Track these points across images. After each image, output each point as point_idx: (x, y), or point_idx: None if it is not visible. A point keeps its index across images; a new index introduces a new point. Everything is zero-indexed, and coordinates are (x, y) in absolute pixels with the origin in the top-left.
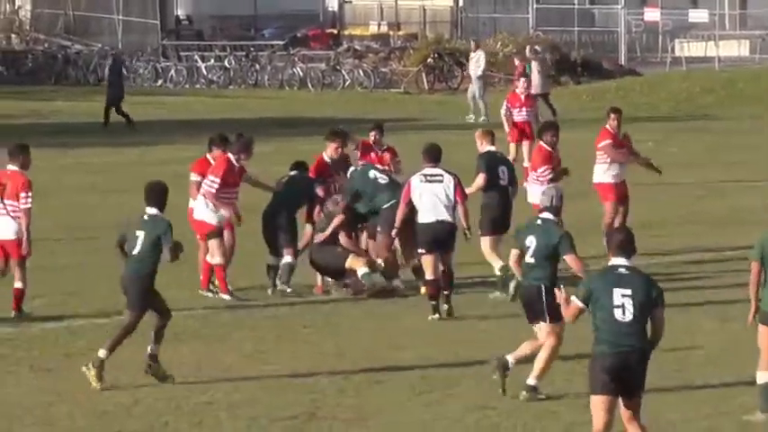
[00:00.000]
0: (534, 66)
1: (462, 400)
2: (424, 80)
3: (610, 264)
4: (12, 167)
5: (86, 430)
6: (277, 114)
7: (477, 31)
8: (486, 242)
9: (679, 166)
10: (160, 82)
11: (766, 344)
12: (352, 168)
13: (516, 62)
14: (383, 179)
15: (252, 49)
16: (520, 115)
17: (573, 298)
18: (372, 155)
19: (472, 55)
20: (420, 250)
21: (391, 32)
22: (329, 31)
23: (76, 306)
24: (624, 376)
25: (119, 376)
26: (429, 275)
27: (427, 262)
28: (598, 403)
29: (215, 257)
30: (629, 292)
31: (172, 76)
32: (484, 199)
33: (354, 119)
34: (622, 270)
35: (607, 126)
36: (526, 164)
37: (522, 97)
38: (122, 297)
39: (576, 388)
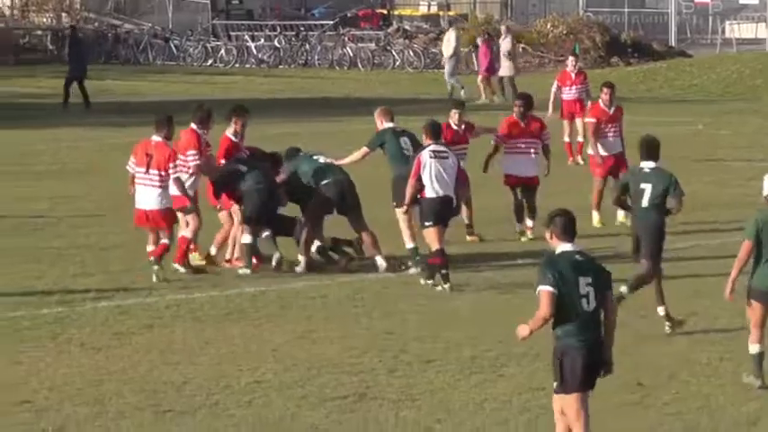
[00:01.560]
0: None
1: (512, 381)
2: (474, 60)
3: (561, 250)
4: (157, 139)
5: (136, 409)
6: (327, 94)
7: (526, 12)
8: (403, 216)
9: (728, 148)
10: (210, 61)
11: (756, 318)
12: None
13: (479, 42)
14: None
15: (302, 28)
16: (570, 93)
17: (541, 287)
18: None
19: (446, 35)
20: (427, 222)
21: (441, 12)
22: (379, 11)
23: (127, 285)
24: (594, 368)
25: (169, 356)
26: (436, 246)
27: (434, 234)
28: (575, 402)
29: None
30: (590, 279)
31: (222, 55)
32: (394, 172)
33: (404, 99)
34: (578, 257)
35: (599, 101)
36: (580, 138)
37: (573, 75)
38: (174, 276)
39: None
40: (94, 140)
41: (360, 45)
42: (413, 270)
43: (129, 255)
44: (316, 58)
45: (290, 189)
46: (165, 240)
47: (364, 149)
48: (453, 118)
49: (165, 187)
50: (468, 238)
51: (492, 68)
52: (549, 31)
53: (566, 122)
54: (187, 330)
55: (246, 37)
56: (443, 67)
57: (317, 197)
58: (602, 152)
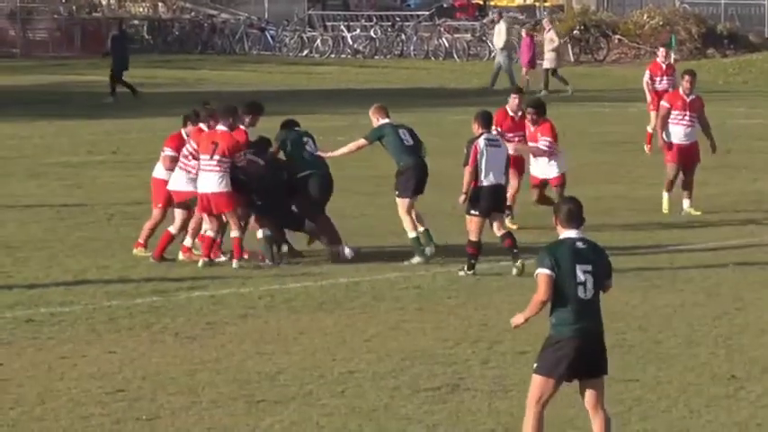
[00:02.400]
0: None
1: None
2: (570, 52)
3: (563, 236)
4: (221, 128)
5: (229, 398)
6: (422, 85)
7: (623, 3)
8: (403, 205)
9: None
10: (306, 52)
11: None
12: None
13: (523, 34)
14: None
15: (398, 19)
16: (661, 84)
17: (539, 270)
18: (509, 122)
19: (496, 27)
20: (474, 211)
21: (537, 3)
22: (475, 1)
23: (221, 275)
24: (585, 358)
25: (262, 346)
26: (475, 237)
27: (477, 224)
28: (542, 383)
29: (174, 226)
30: (589, 267)
31: (317, 45)
32: (399, 164)
33: (499, 90)
34: (579, 244)
35: (679, 88)
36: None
37: (663, 66)
38: (271, 268)
39: (719, 363)
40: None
41: (455, 36)
42: (416, 260)
43: (225, 246)
44: (411, 48)
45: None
46: (235, 234)
47: (362, 141)
48: (512, 104)
49: (226, 172)
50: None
51: (533, 62)
52: (645, 22)
53: (653, 114)
54: (281, 320)
55: (342, 27)
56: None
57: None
58: (674, 139)
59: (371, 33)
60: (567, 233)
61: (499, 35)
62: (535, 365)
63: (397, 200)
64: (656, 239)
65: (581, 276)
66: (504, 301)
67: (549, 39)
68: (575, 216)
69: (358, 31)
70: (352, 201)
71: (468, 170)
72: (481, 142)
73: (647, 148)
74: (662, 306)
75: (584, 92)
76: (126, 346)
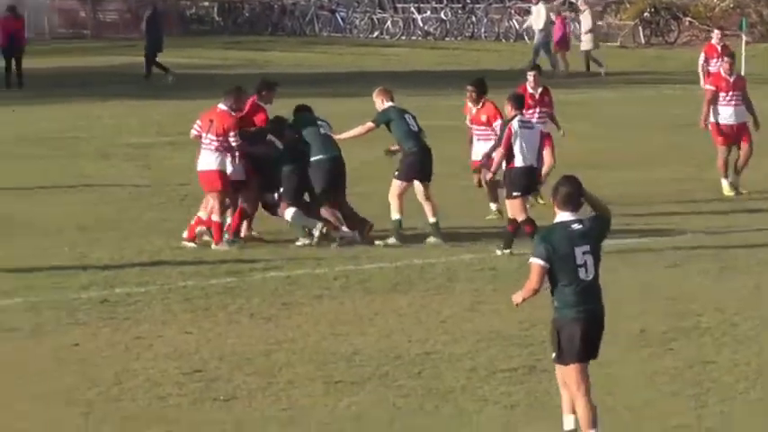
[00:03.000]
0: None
1: (681, 354)
2: (641, 34)
3: (559, 220)
4: (222, 107)
5: (306, 379)
6: (493, 67)
7: None
8: (397, 187)
9: None
10: (376, 33)
11: None
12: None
13: (553, 17)
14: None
15: (468, 0)
16: (715, 66)
17: (532, 259)
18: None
19: (533, 8)
20: (515, 192)
21: None
22: None
23: (296, 256)
24: (593, 338)
25: (338, 327)
26: (523, 216)
27: (520, 204)
28: (573, 372)
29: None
30: (587, 248)
31: (388, 27)
32: (405, 148)
33: (570, 72)
34: (575, 226)
35: (720, 70)
36: None
37: (719, 48)
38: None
39: None
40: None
41: (526, 17)
42: (392, 240)
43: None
44: (482, 30)
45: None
46: (214, 217)
47: (369, 124)
48: (530, 81)
49: (219, 151)
50: (540, 201)
51: (565, 43)
52: (715, 4)
53: None
54: (356, 301)
55: (413, 9)
56: (611, 42)
57: (310, 172)
58: (723, 121)
59: (442, 15)
60: (562, 215)
61: (538, 17)
62: (553, 355)
63: (394, 181)
64: (729, 221)
65: (580, 258)
66: None
67: (585, 20)
68: (572, 198)
69: (428, 12)
70: (433, 182)
71: (500, 152)
72: (515, 124)
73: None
74: (738, 288)
75: (654, 74)
76: (202, 326)
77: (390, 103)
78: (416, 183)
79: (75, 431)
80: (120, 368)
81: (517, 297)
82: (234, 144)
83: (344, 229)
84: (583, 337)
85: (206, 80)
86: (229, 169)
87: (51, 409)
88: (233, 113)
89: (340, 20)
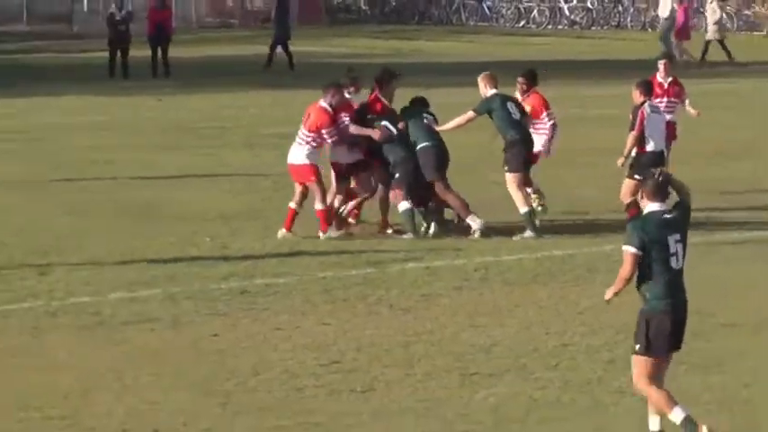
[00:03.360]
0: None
1: None
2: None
3: (650, 210)
4: (321, 104)
5: (443, 371)
6: (639, 57)
7: None
8: (513, 179)
9: None
10: (522, 23)
11: None
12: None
13: (675, 5)
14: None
15: None
16: None
17: (626, 247)
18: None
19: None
20: (638, 176)
21: None
22: None
23: (435, 246)
24: (679, 330)
25: (477, 318)
26: (629, 198)
27: (636, 187)
28: (646, 363)
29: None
30: (678, 236)
31: (534, 16)
32: (507, 137)
33: (717, 62)
34: (666, 216)
35: None
36: None
37: None
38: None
39: None
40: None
41: None
42: (528, 234)
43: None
44: (628, 19)
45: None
46: (318, 206)
47: (470, 114)
48: (660, 70)
49: (309, 145)
50: None
51: (685, 33)
52: None
53: None
54: (495, 292)
55: None
56: (758, 31)
57: (415, 159)
58: None
59: (588, 4)
60: (652, 206)
61: (664, 5)
62: (637, 347)
63: (507, 175)
64: None
65: (673, 247)
66: (713, 275)
67: (712, 10)
68: (660, 189)
69: (575, 1)
70: (574, 173)
71: (633, 135)
72: (647, 108)
73: None
74: None
75: None
76: (340, 317)
77: (494, 90)
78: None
79: (212, 421)
80: (258, 359)
81: (609, 293)
82: (330, 141)
83: (471, 217)
84: (673, 329)
85: (352, 70)
86: (315, 157)
87: (189, 400)
88: (330, 110)
89: (486, 9)
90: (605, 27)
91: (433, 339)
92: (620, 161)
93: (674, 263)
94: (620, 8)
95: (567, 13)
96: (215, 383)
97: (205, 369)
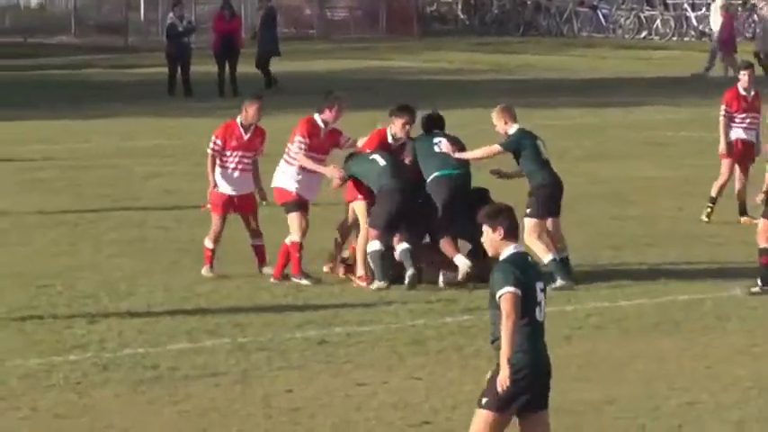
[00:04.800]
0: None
1: None
2: None
3: (516, 251)
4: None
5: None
6: None
7: None
8: (533, 227)
9: None
10: (644, 33)
11: None
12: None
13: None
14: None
15: None
16: None
17: (508, 289)
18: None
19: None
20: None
21: None
22: None
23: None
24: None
25: (589, 372)
26: (765, 243)
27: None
28: (493, 420)
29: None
30: (542, 285)
31: (657, 26)
32: (533, 181)
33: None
34: (530, 259)
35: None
36: None
37: None
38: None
39: None
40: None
41: None
42: (559, 282)
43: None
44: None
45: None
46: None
47: (497, 147)
48: (742, 81)
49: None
50: (741, 219)
51: (731, 44)
52: None
53: None
54: (611, 343)
55: (686, 5)
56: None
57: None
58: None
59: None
60: (514, 246)
61: (715, 15)
62: (485, 401)
63: (526, 220)
64: None
65: (539, 296)
66: None
67: (762, 17)
68: (517, 228)
69: (704, 9)
70: (698, 204)
71: None
72: None
73: None
74: None
75: None
76: (433, 371)
77: (517, 126)
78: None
79: None
80: (339, 419)
81: (504, 373)
82: (294, 154)
83: (459, 260)
84: (535, 385)
85: (448, 87)
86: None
87: None
88: (320, 124)
89: (602, 18)
90: (739, 38)
91: None
92: (760, 197)
93: (538, 314)
94: (756, 17)
95: (694, 22)
96: None
97: (278, 430)
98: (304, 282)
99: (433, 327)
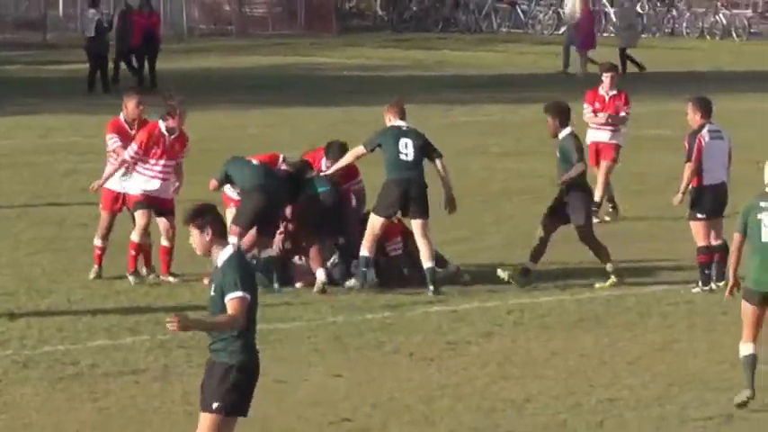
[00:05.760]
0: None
1: None
2: None
3: (231, 248)
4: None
5: (471, 429)
6: (695, 68)
7: None
8: (374, 223)
9: None
10: (562, 29)
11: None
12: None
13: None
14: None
15: None
16: None
17: (237, 294)
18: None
19: None
20: (700, 215)
21: None
22: None
23: (462, 288)
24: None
25: (509, 369)
26: (702, 242)
27: (703, 228)
28: (227, 426)
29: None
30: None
31: None
32: (388, 176)
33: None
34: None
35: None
36: None
37: None
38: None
39: None
40: (427, 118)
41: (734, 12)
42: (352, 282)
43: (476, 250)
44: (684, 25)
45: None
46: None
47: (359, 150)
48: (605, 83)
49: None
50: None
51: (590, 41)
52: None
53: None
54: (531, 339)
55: (605, 2)
56: None
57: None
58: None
59: (638, 9)
60: (230, 245)
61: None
62: (217, 405)
63: (371, 216)
64: None
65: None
66: None
67: (621, 9)
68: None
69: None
70: (625, 201)
71: (690, 167)
72: (705, 135)
73: None
74: None
75: None
76: (353, 368)
77: (397, 123)
78: (413, 221)
79: None
80: (258, 415)
81: None
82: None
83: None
84: (251, 387)
85: (366, 83)
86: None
87: None
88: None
89: (521, 14)
90: (657, 34)
91: (459, 393)
92: (678, 198)
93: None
94: (675, 13)
95: (613, 18)
96: None
97: (197, 428)
98: (131, 278)
99: (352, 323)
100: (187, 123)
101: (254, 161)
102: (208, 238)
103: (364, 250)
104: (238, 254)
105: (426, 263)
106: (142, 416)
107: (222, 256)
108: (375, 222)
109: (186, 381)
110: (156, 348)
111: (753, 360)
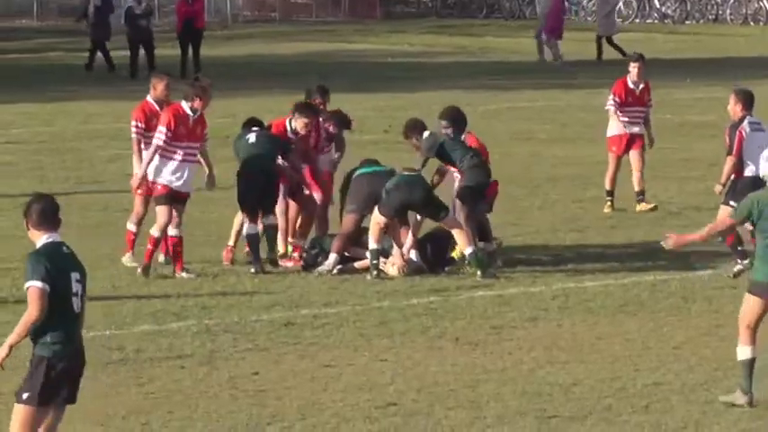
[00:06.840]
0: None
1: None
2: None
3: (49, 240)
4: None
5: (517, 413)
6: (738, 54)
7: None
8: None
9: None
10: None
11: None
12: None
13: None
14: None
15: None
16: None
17: (32, 283)
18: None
19: None
20: (733, 203)
21: None
22: None
23: (508, 272)
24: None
25: (554, 353)
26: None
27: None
28: (37, 415)
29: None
30: (79, 276)
31: (620, 8)
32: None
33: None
34: (65, 249)
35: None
36: None
37: None
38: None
39: None
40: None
41: None
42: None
43: (521, 234)
44: (728, 12)
45: None
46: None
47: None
48: (632, 74)
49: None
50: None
51: (557, 30)
52: None
53: None
54: (576, 324)
55: None
56: None
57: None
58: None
59: None
60: (50, 236)
61: None
62: (26, 396)
63: (375, 212)
64: None
65: (75, 286)
66: None
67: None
68: (48, 215)
69: None
70: (667, 186)
71: (731, 160)
72: (746, 127)
73: None
74: None
75: None
76: (399, 353)
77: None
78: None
79: None
80: (305, 401)
81: (3, 351)
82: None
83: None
84: (72, 377)
85: (411, 70)
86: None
87: None
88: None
89: (566, 0)
90: (701, 21)
91: (504, 378)
92: (718, 188)
93: (75, 305)
94: None
95: (657, 4)
96: (255, 429)
97: (244, 413)
98: (132, 263)
99: (398, 308)
100: (232, 109)
101: (252, 136)
102: (31, 229)
103: (373, 242)
104: (46, 244)
105: (466, 249)
106: (188, 400)
107: (36, 246)
108: (379, 218)
109: (232, 365)
110: (202, 333)
111: (751, 364)
